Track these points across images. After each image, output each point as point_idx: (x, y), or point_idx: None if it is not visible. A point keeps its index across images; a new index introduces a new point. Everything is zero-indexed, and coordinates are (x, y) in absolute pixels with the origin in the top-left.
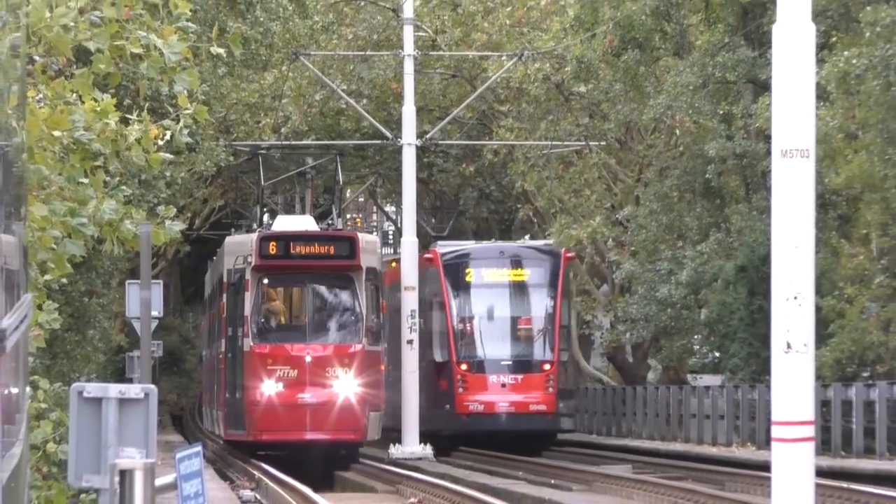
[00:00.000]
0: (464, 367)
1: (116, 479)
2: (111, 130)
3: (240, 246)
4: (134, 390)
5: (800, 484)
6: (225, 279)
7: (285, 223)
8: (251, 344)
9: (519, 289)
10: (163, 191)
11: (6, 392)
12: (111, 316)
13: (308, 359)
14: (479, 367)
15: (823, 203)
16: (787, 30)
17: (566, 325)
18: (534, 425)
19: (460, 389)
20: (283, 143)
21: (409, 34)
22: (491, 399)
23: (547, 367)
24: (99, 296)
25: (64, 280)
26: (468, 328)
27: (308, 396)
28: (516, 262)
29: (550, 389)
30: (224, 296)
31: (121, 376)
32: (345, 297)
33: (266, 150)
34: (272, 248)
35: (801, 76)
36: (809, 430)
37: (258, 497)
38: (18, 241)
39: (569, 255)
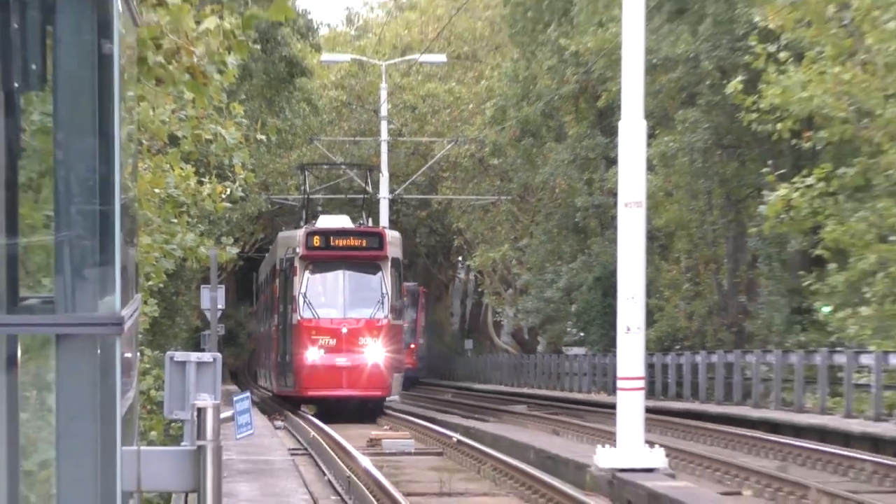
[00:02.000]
0: None
1: (195, 413)
2: (191, 188)
3: (290, 239)
4: (206, 357)
5: (634, 417)
6: (278, 266)
7: (327, 221)
8: (299, 318)
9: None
10: (224, 227)
11: (126, 356)
12: (192, 308)
13: (344, 330)
14: None
15: (651, 236)
16: (628, 124)
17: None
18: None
19: None
20: (323, 161)
21: (384, 127)
22: None
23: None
24: (183, 295)
25: (161, 284)
26: None
27: (344, 360)
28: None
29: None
30: (277, 280)
31: (197, 347)
32: (374, 280)
33: (311, 165)
34: (316, 240)
35: (636, 154)
36: (641, 383)
37: (286, 426)
38: (132, 259)
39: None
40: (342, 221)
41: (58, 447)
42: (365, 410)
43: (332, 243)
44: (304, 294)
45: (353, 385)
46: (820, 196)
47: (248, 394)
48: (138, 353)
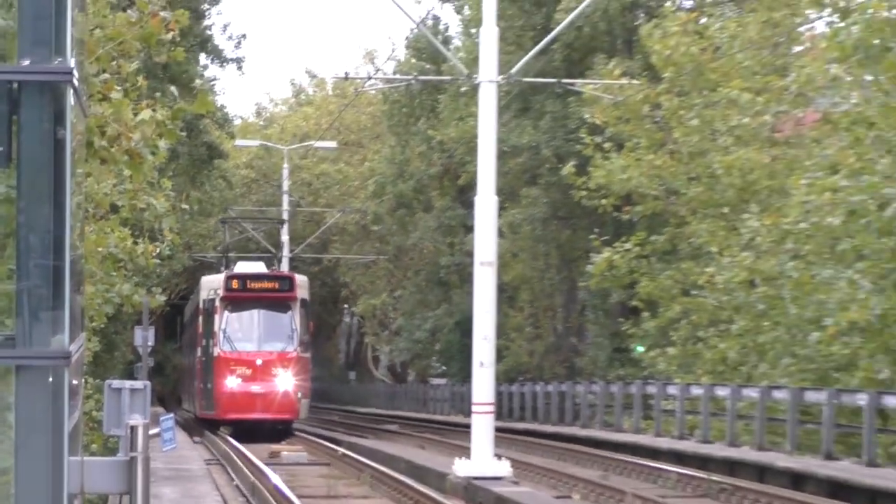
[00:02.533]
0: None
1: (128, 430)
2: (128, 247)
3: (212, 282)
4: (138, 384)
5: (485, 435)
6: (201, 306)
7: (244, 267)
8: (219, 351)
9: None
10: (154, 279)
11: (73, 383)
12: (127, 344)
13: (259, 361)
14: None
15: (500, 289)
16: (482, 199)
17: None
18: None
19: None
20: (243, 216)
21: (285, 199)
22: None
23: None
24: (120, 333)
25: (102, 325)
26: None
27: (258, 388)
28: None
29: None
30: (200, 318)
31: (131, 376)
32: (285, 318)
33: (231, 220)
34: (235, 283)
35: (489, 223)
36: (491, 408)
37: (203, 441)
38: (79, 304)
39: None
40: (258, 267)
41: (16, 456)
42: (276, 432)
43: (248, 286)
44: (224, 330)
45: (267, 410)
46: (636, 258)
47: (172, 415)
48: (83, 381)
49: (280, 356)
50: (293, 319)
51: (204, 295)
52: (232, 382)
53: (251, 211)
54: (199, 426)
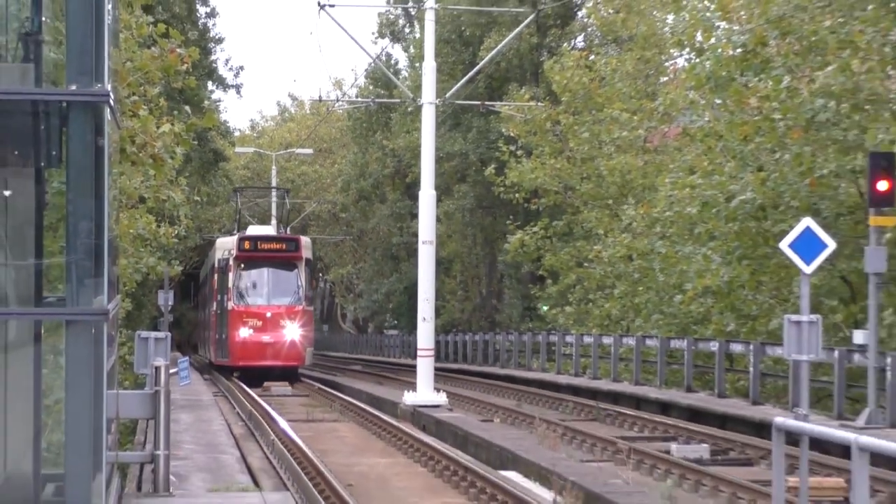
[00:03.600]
0: None
1: (153, 370)
2: (153, 230)
3: (226, 244)
4: (161, 334)
5: (427, 373)
6: (216, 265)
7: (255, 230)
8: (233, 305)
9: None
10: (173, 254)
11: (111, 334)
12: (152, 304)
13: (268, 314)
14: None
15: (438, 262)
16: (424, 193)
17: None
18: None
19: None
20: (254, 185)
21: (273, 193)
22: None
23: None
24: (147, 296)
25: (132, 289)
26: None
27: (268, 338)
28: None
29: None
30: (215, 276)
31: (155, 328)
32: (291, 276)
33: (242, 188)
34: (247, 244)
35: (429, 211)
36: (431, 353)
37: (212, 378)
38: (115, 273)
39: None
40: (267, 230)
41: (67, 390)
42: (285, 376)
43: (259, 246)
44: (237, 286)
45: (276, 357)
46: (541, 238)
47: (187, 358)
48: (118, 332)
49: (287, 309)
50: (299, 276)
51: (219, 255)
52: (244, 333)
53: (255, 189)
54: (215, 371)
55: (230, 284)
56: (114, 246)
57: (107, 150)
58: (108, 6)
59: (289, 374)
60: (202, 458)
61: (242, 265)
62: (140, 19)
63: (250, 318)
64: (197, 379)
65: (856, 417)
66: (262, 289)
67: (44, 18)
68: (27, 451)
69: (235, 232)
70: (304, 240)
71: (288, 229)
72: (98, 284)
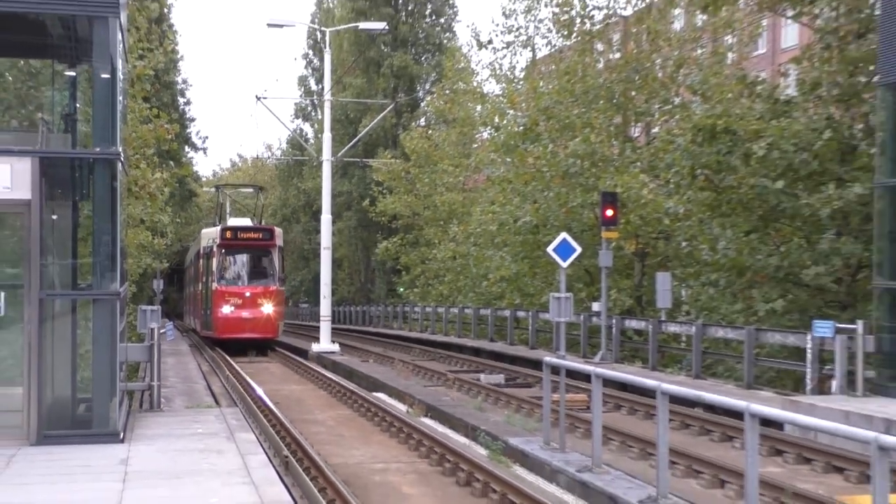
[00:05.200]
0: None
1: (149, 330)
2: (149, 240)
3: (210, 233)
4: (154, 307)
5: (326, 331)
6: (201, 252)
7: (235, 222)
8: (216, 286)
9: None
10: (163, 256)
11: (122, 307)
12: (150, 288)
13: (247, 294)
14: None
15: (334, 261)
16: (325, 217)
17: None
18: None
19: None
20: (237, 183)
21: (231, 220)
22: None
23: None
24: (146, 283)
25: (136, 279)
26: None
27: (247, 314)
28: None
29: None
30: (200, 260)
31: (151, 304)
32: (266, 261)
33: (223, 185)
34: (228, 234)
35: (327, 228)
36: (329, 318)
37: (188, 337)
38: (125, 269)
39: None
40: (246, 222)
41: (94, 344)
42: (260, 347)
43: (239, 236)
44: (221, 269)
45: (253, 330)
46: (399, 245)
47: (171, 323)
48: (126, 306)
49: (263, 290)
50: (273, 262)
51: (204, 243)
52: (226, 310)
53: (234, 186)
54: (201, 341)
55: (214, 268)
56: (124, 251)
57: (119, 189)
58: (120, 97)
59: (265, 345)
60: (182, 386)
61: (224, 251)
62: (141, 105)
63: (232, 297)
64: (179, 337)
65: (593, 357)
66: (241, 272)
67: (77, 105)
68: (68, 382)
69: (218, 223)
70: (277, 230)
71: (263, 222)
72: (113, 276)
